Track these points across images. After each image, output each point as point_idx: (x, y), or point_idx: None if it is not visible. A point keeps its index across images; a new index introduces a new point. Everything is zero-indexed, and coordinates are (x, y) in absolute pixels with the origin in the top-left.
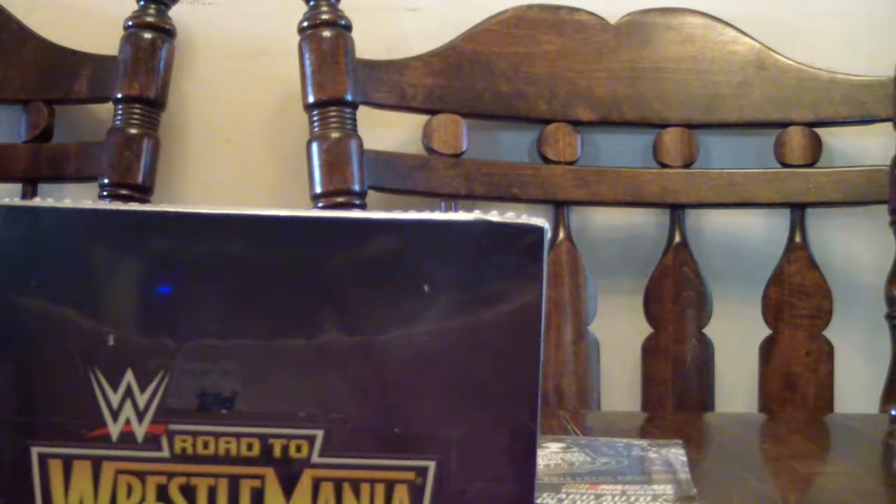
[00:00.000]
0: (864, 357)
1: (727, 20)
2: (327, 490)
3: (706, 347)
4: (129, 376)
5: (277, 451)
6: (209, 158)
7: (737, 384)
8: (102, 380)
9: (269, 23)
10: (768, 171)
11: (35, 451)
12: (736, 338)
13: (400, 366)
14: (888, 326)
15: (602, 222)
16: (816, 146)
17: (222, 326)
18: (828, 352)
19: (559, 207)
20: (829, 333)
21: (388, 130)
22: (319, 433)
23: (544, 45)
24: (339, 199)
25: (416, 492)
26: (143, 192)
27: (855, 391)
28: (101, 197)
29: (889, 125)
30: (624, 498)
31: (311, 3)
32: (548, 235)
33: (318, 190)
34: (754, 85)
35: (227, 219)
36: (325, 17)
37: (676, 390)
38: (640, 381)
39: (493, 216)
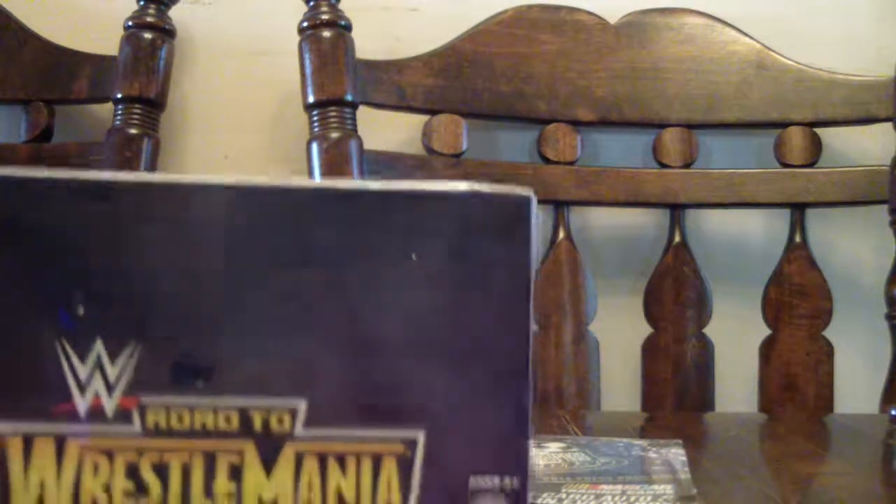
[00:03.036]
0: (864, 357)
1: (727, 20)
2: (311, 465)
3: (706, 347)
4: (99, 347)
5: (258, 424)
6: (209, 158)
7: (737, 384)
8: (70, 351)
9: (269, 23)
10: (768, 171)
11: None
12: (736, 338)
13: (387, 334)
14: (888, 326)
15: (602, 222)
16: (816, 146)
17: (200, 294)
18: (828, 352)
19: (559, 207)
20: (829, 333)
21: (388, 130)
22: (302, 404)
23: (544, 45)
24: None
25: (405, 465)
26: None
27: (855, 391)
28: None
29: (889, 125)
30: (624, 498)
31: (311, 3)
32: (534, 203)
33: None
34: (754, 85)
35: (210, 187)
36: (325, 17)
37: (676, 390)
38: (640, 381)
39: (482, 186)
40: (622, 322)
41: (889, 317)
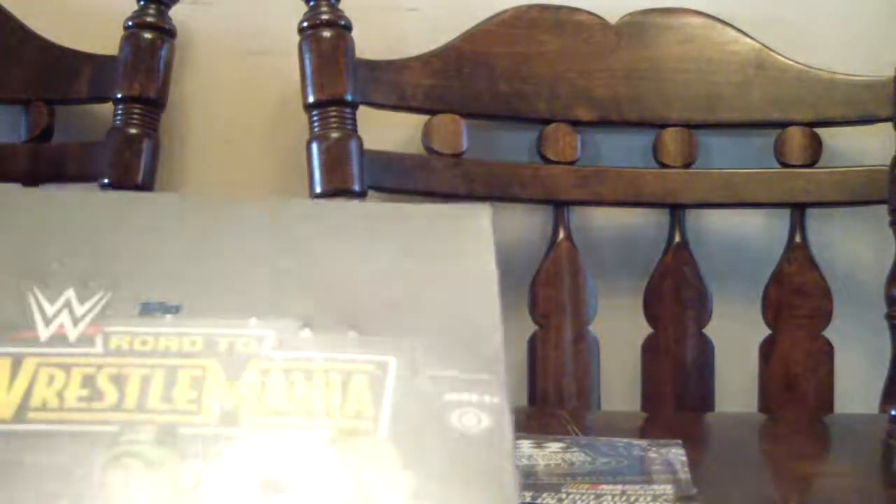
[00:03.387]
0: (864, 357)
1: (727, 20)
2: (276, 378)
3: (706, 347)
4: (70, 293)
5: (223, 347)
6: (209, 158)
7: (737, 384)
8: (40, 296)
9: (269, 23)
10: (768, 171)
11: None
12: (736, 338)
13: (356, 282)
14: (888, 326)
15: (602, 222)
16: (816, 146)
17: (165, 253)
18: (828, 352)
19: (559, 207)
20: (829, 333)
21: (388, 130)
22: (271, 333)
23: (544, 45)
24: (339, 199)
25: (377, 381)
26: (143, 191)
27: (855, 391)
28: None
29: (889, 125)
30: (624, 498)
31: (311, 3)
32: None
33: (318, 190)
34: (754, 85)
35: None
36: (325, 17)
37: (676, 390)
38: (640, 381)
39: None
40: (622, 322)
41: (889, 317)
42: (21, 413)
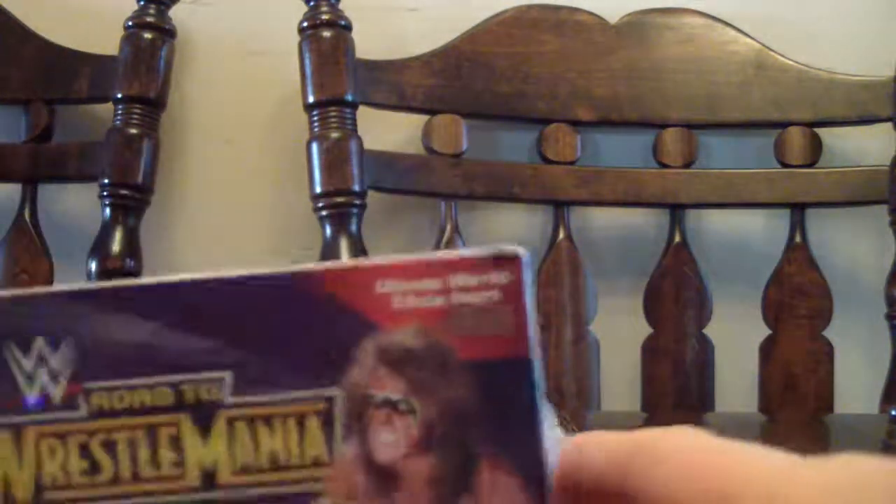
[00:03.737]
0: (864, 357)
1: (727, 20)
2: (241, 428)
3: (706, 347)
4: (40, 342)
5: (190, 396)
6: (209, 158)
7: (737, 384)
8: (15, 350)
9: (269, 23)
10: (768, 171)
11: None
12: (736, 338)
13: None
14: (888, 326)
15: (602, 222)
16: (816, 146)
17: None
18: (828, 352)
19: (559, 207)
20: (829, 333)
21: (388, 130)
22: (227, 374)
23: (544, 45)
24: (339, 199)
25: (326, 417)
26: (143, 192)
27: (855, 391)
28: (101, 196)
29: (889, 125)
30: None
31: (311, 3)
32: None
33: (318, 190)
34: (754, 85)
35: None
36: (325, 17)
37: (676, 390)
38: (640, 381)
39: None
40: (622, 322)
41: (889, 317)
42: (39, 495)
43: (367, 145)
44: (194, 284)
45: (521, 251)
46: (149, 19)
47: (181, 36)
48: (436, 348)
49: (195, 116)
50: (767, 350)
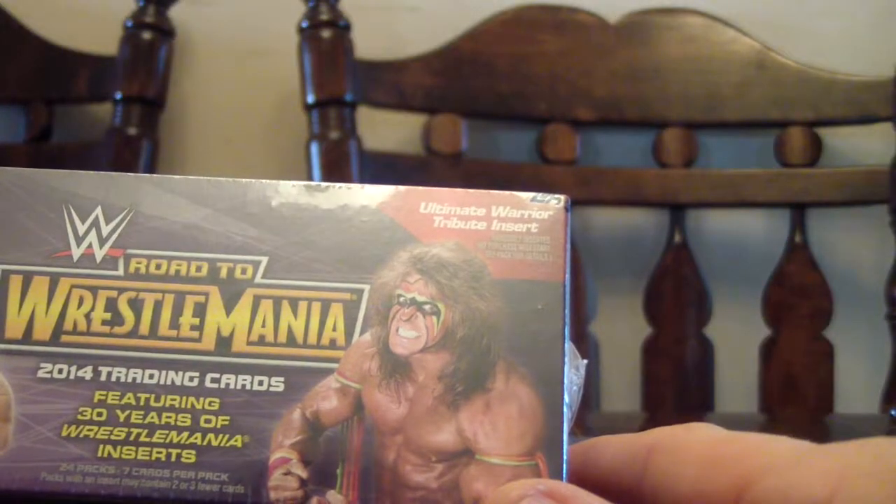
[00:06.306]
0: (864, 357)
1: (727, 20)
2: (266, 306)
3: (706, 347)
4: (98, 211)
5: (223, 273)
6: (209, 158)
7: (737, 384)
8: (74, 214)
9: (269, 23)
10: (768, 171)
11: (1, 268)
12: (736, 338)
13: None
14: (888, 326)
15: (602, 222)
16: (816, 146)
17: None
18: (828, 352)
19: None
20: (829, 333)
21: (388, 130)
22: (264, 259)
23: (544, 45)
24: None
25: (350, 307)
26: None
27: (855, 391)
28: None
29: (889, 125)
30: None
31: (311, 3)
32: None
33: None
34: (754, 85)
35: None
36: (324, 17)
37: (676, 390)
38: (640, 381)
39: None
40: (622, 322)
41: (889, 317)
42: (56, 335)
43: (367, 145)
44: (248, 185)
45: (561, 196)
46: (148, 19)
47: (181, 36)
48: (471, 263)
49: (195, 116)
50: (768, 350)
